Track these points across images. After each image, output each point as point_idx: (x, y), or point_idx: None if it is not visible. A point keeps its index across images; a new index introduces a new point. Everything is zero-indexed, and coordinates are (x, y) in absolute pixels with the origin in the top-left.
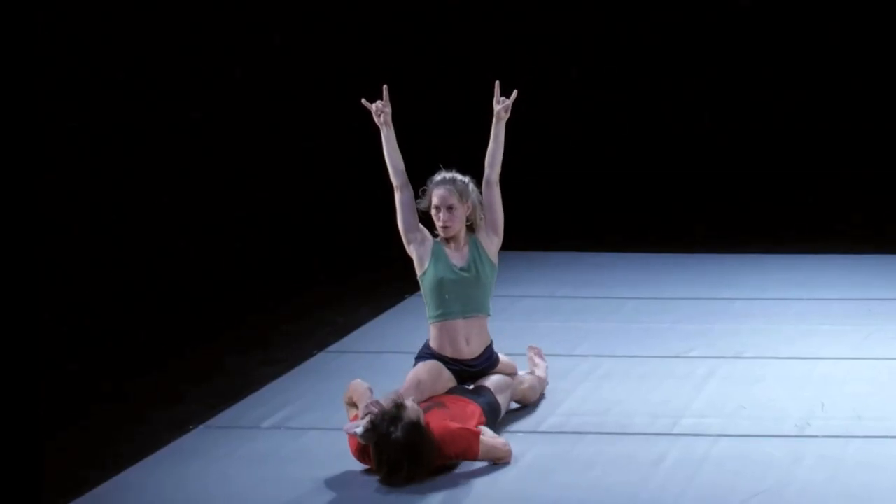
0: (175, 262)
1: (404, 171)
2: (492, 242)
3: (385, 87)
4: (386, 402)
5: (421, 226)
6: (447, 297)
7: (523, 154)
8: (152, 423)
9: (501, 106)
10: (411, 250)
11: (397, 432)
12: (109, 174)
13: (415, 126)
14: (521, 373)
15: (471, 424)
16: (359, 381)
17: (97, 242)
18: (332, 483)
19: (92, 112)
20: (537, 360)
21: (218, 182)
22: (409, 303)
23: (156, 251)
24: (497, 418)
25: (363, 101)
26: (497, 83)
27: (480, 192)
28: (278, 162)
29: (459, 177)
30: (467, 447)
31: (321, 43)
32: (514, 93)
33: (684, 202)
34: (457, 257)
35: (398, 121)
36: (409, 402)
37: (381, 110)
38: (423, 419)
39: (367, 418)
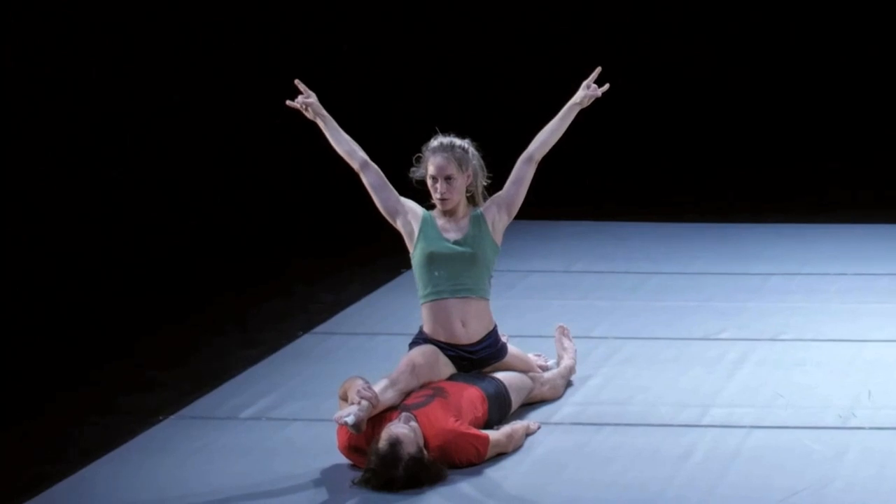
0: (143, 234)
1: (359, 151)
2: (500, 221)
3: (297, 81)
4: (381, 443)
5: (403, 199)
6: (437, 273)
7: (537, 110)
8: (118, 412)
9: (588, 93)
10: (399, 227)
11: (399, 472)
12: (69, 147)
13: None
14: (549, 362)
15: (476, 415)
16: (357, 377)
17: (57, 216)
18: (321, 479)
19: (58, 89)
20: (566, 342)
21: (189, 150)
22: (405, 278)
23: (122, 224)
24: (505, 413)
25: (287, 102)
26: (598, 69)
27: (511, 170)
28: (259, 129)
29: (458, 142)
30: (474, 455)
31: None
32: (606, 86)
33: (715, 165)
34: (452, 230)
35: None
36: (403, 431)
37: (304, 103)
38: (421, 443)
39: (370, 458)
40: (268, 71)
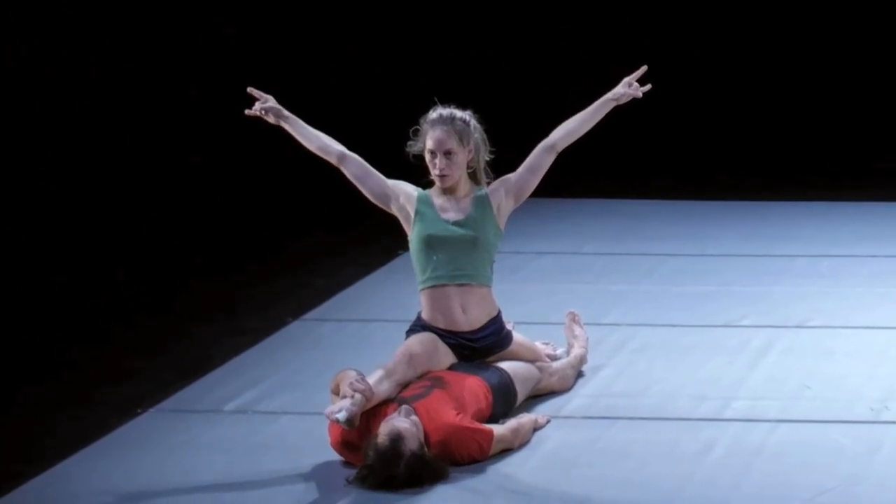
0: (122, 213)
1: (334, 145)
2: (506, 205)
3: (250, 89)
4: (380, 439)
5: (393, 182)
6: (436, 257)
7: (537, 110)
8: (95, 405)
9: (629, 91)
10: (395, 212)
11: (399, 469)
12: (69, 147)
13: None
14: (558, 351)
15: (480, 407)
16: (350, 369)
17: (33, 198)
18: (312, 477)
19: (58, 89)
20: (576, 329)
21: (173, 126)
22: (403, 261)
23: (100, 202)
24: (511, 406)
25: (246, 112)
26: (644, 68)
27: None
28: (258, 128)
29: (459, 113)
30: (477, 451)
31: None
32: (648, 87)
33: (738, 139)
34: (452, 210)
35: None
36: (404, 426)
37: (263, 109)
38: (422, 439)
39: (367, 454)
40: (268, 71)
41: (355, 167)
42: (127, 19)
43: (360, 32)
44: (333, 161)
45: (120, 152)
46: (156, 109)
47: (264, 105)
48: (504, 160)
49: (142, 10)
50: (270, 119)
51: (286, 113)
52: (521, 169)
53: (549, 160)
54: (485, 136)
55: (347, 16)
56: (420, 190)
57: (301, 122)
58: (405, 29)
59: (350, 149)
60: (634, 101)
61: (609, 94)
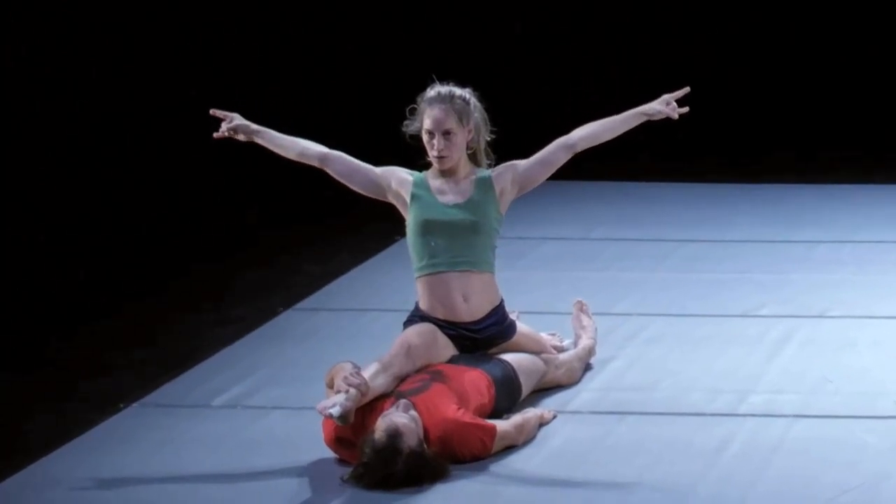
0: (103, 196)
1: (312, 148)
2: (510, 192)
3: (212, 111)
4: (378, 435)
5: (382, 170)
6: (434, 243)
7: (536, 111)
8: (74, 399)
9: (665, 110)
10: (391, 200)
11: (397, 467)
12: (69, 147)
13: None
14: (564, 342)
15: (482, 401)
16: (346, 363)
17: (57, 216)
18: (305, 476)
19: (58, 89)
20: (584, 319)
21: (188, 149)
22: (401, 247)
23: (100, 202)
24: (515, 401)
25: (214, 135)
26: (686, 90)
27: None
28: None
29: (458, 91)
30: (480, 448)
31: None
32: (685, 109)
33: (755, 117)
34: (451, 193)
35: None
36: (403, 421)
37: (230, 129)
38: (422, 435)
39: (364, 451)
40: (268, 71)
41: (339, 165)
42: (127, 19)
43: (360, 32)
44: (315, 164)
45: (120, 152)
46: (156, 109)
47: (230, 125)
48: (506, 143)
49: (142, 10)
50: (241, 137)
51: (255, 127)
52: (532, 159)
53: (565, 158)
54: (485, 115)
55: (347, 16)
56: (415, 173)
57: (273, 132)
58: (405, 29)
59: (349, 149)
60: (669, 120)
61: (643, 108)
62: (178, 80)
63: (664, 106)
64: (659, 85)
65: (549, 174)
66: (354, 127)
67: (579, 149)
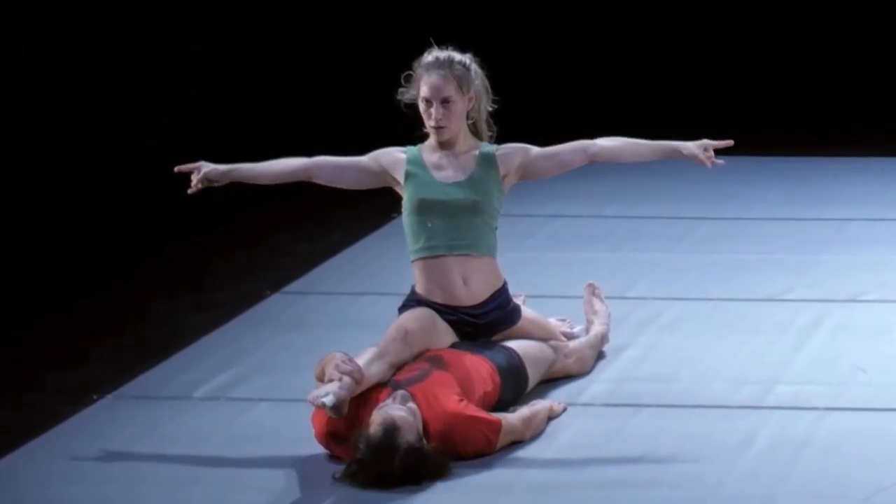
0: (74, 172)
1: (290, 164)
2: (513, 176)
3: (176, 168)
4: (373, 429)
5: (370, 156)
6: (430, 224)
7: (537, 110)
8: (43, 390)
9: (700, 156)
10: (390, 184)
11: (394, 465)
12: (69, 147)
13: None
14: (575, 329)
15: (486, 390)
16: (338, 354)
17: (57, 216)
18: (294, 473)
19: (58, 89)
20: (597, 304)
21: (188, 148)
22: (397, 226)
23: (51, 161)
24: (521, 392)
25: (189, 191)
26: (730, 142)
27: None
28: (257, 129)
29: (458, 57)
30: (484, 443)
31: None
32: (721, 162)
33: (783, 86)
34: (450, 169)
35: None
36: (401, 415)
37: (201, 180)
38: (421, 429)
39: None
40: (268, 71)
41: (325, 171)
42: (127, 19)
43: (360, 32)
44: (301, 178)
45: (120, 152)
46: (156, 109)
47: (200, 176)
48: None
49: (142, 10)
50: (216, 184)
51: (223, 168)
52: (547, 151)
53: (580, 163)
54: (487, 82)
55: (347, 16)
56: (410, 148)
57: (245, 165)
58: (405, 29)
59: (349, 149)
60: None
61: (679, 145)
62: (178, 80)
63: (701, 151)
64: (659, 85)
65: (558, 173)
66: (354, 127)
67: (598, 160)
